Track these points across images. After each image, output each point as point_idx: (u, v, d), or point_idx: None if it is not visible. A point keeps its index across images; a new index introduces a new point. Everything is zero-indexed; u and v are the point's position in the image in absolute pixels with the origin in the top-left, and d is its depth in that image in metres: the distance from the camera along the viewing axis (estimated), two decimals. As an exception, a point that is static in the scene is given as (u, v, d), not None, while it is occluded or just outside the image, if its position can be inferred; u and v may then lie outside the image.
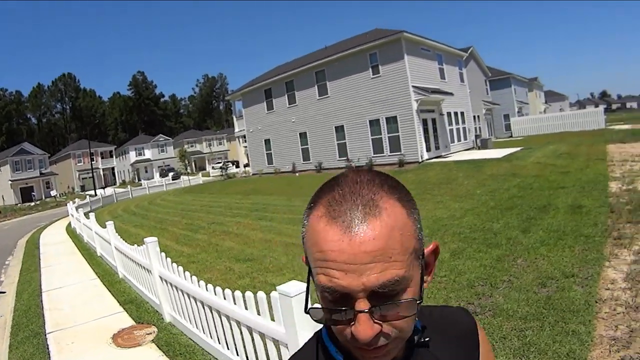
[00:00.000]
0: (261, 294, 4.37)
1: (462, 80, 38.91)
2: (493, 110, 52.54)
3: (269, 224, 15.89)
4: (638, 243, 8.36)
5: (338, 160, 34.01)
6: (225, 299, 5.20)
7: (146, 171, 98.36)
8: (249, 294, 4.66)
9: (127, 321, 8.22)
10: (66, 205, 35.24)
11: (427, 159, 29.25)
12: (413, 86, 28.85)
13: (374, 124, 31.37)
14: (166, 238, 16.05)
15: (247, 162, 51.02)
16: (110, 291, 10.39)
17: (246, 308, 4.77)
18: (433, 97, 29.50)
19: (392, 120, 30.19)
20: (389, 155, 30.37)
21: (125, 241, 10.39)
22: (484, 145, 36.65)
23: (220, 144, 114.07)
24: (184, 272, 6.47)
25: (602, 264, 7.49)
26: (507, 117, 54.98)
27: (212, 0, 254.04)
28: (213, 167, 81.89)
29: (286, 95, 38.56)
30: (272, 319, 4.27)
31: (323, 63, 34.53)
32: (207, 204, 25.93)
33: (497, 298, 6.63)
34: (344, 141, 33.71)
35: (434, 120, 31.66)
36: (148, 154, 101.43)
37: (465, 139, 37.21)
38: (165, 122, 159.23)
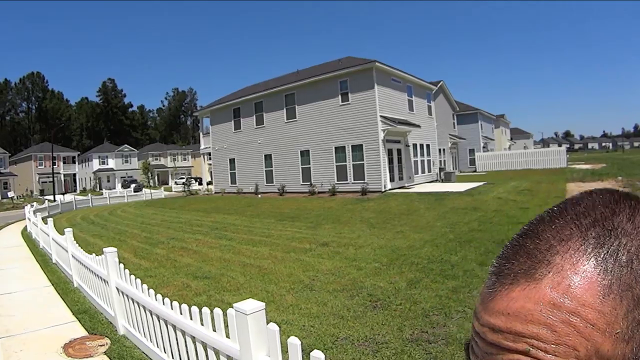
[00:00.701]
0: (218, 311, 4.37)
1: (430, 113, 39.38)
2: (459, 144, 53.25)
3: (228, 243, 15.74)
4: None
5: (301, 184, 34.00)
6: (181, 313, 5.15)
7: (108, 180, 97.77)
8: (205, 310, 4.61)
9: (79, 331, 7.99)
10: (23, 207, 34.56)
11: (390, 189, 29.43)
12: (381, 116, 29.12)
13: (340, 150, 31.50)
14: (124, 250, 15.72)
15: (210, 179, 50.81)
16: (64, 300, 10.07)
17: (202, 324, 4.72)
18: (400, 128, 29.77)
19: (357, 149, 30.36)
20: (353, 183, 30.48)
21: (83, 250, 10.10)
22: (447, 178, 37.05)
23: (184, 159, 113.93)
24: (142, 284, 6.39)
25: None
26: (472, 151, 55.89)
27: (189, 16, 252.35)
28: (176, 183, 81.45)
29: (254, 116, 38.56)
30: (228, 336, 4.25)
31: (294, 87, 34.69)
32: (168, 219, 25.63)
33: (450, 328, 6.68)
34: (308, 166, 33.76)
35: (399, 151, 31.93)
36: (112, 163, 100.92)
37: (430, 171, 37.59)
38: (132, 133, 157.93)
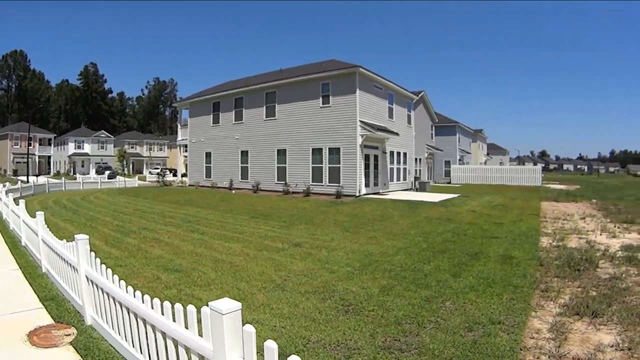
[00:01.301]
0: (191, 308, 4.33)
1: (409, 122, 39.61)
2: (435, 155, 53.63)
3: (200, 237, 15.55)
4: (564, 297, 8.63)
5: (276, 183, 33.94)
6: (152, 308, 5.07)
7: (82, 165, 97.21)
8: (178, 306, 4.55)
9: (45, 319, 7.74)
10: None
11: (364, 194, 29.51)
12: (361, 121, 29.16)
13: (317, 152, 31.46)
14: (95, 237, 15.40)
15: (184, 171, 50.55)
16: (31, 285, 9.83)
17: (174, 320, 4.67)
18: (379, 134, 29.81)
19: (335, 151, 30.36)
20: (328, 185, 30.48)
21: (54, 235, 9.87)
22: (422, 187, 37.28)
23: (160, 149, 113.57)
24: (113, 275, 6.28)
25: (528, 313, 7.68)
26: (448, 163, 56.52)
27: (175, 7, 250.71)
28: (150, 172, 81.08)
29: (234, 112, 38.43)
30: (201, 335, 4.21)
31: (275, 85, 34.61)
32: (141, 208, 25.33)
33: (423, 337, 6.63)
34: (284, 165, 33.66)
35: (376, 157, 32.03)
36: (87, 148, 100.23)
37: (405, 179, 37.78)
38: (110, 119, 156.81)
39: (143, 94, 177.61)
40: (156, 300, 5.00)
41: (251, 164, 36.57)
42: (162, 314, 4.86)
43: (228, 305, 3.69)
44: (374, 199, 27.63)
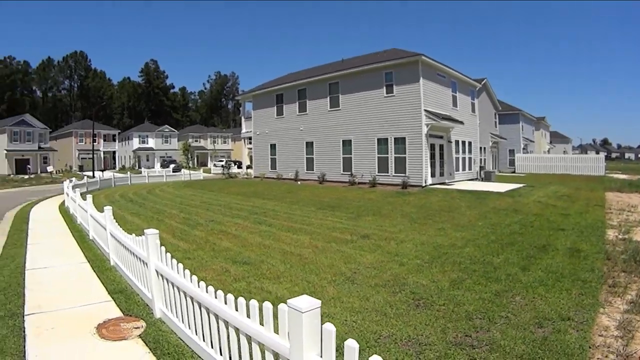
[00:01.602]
0: (268, 305, 4.32)
1: (473, 110, 38.98)
2: (499, 144, 52.64)
3: (267, 229, 15.75)
4: (631, 292, 8.44)
5: (341, 174, 34.00)
6: (226, 303, 5.12)
7: (147, 160, 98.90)
8: (253, 302, 4.59)
9: (114, 312, 7.87)
10: (62, 182, 34.81)
11: (430, 184, 29.25)
12: (425, 110, 28.89)
13: (382, 142, 31.34)
14: (162, 230, 15.59)
15: (249, 163, 50.92)
16: (99, 278, 10.05)
17: (248, 316, 4.70)
18: (444, 123, 29.50)
19: (400, 141, 30.18)
20: (394, 176, 30.33)
21: (121, 228, 10.16)
22: (487, 177, 36.67)
23: (224, 142, 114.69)
24: (184, 270, 6.35)
25: (596, 310, 7.54)
26: (512, 152, 55.31)
27: (234, 1, 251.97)
28: (215, 165, 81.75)
29: (297, 103, 38.68)
30: (276, 332, 4.23)
31: (338, 75, 34.60)
32: (207, 201, 25.76)
33: (494, 333, 6.57)
34: (349, 156, 33.68)
35: (441, 147, 31.72)
36: (151, 142, 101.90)
37: (470, 169, 37.24)
38: (172, 114, 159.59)
39: (205, 88, 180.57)
40: (230, 296, 5.04)
41: (316, 155, 36.75)
42: (236, 310, 4.90)
43: (307, 304, 3.66)
44: (440, 190, 27.37)
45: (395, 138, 30.46)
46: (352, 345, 3.31)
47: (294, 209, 20.97)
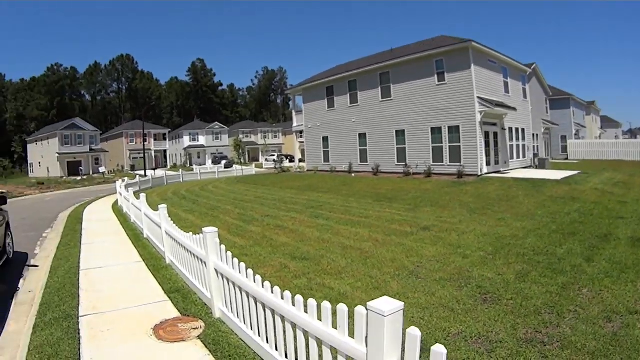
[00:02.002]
0: (343, 307, 4.08)
1: (525, 96, 38.30)
2: (551, 130, 51.59)
3: (325, 222, 15.82)
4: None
5: (396, 164, 33.80)
6: (294, 305, 4.93)
7: (198, 157, 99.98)
8: (326, 304, 4.34)
9: (171, 312, 7.82)
10: (114, 182, 35.54)
11: (485, 173, 28.93)
12: (478, 97, 28.54)
13: (436, 131, 31.07)
14: (218, 227, 15.55)
15: (301, 157, 51.04)
16: (155, 277, 10.10)
17: (319, 319, 4.49)
18: (497, 110, 29.08)
19: (454, 130, 29.88)
20: (448, 165, 30.08)
21: (176, 225, 10.24)
22: (541, 165, 36.06)
23: (275, 136, 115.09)
24: (246, 269, 6.15)
25: (664, 303, 7.36)
26: (564, 138, 54.00)
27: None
28: (266, 160, 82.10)
29: (348, 95, 38.58)
30: (351, 336, 4.01)
31: (389, 65, 34.39)
32: (261, 196, 25.96)
33: (564, 329, 6.48)
34: (403, 146, 33.48)
35: (495, 134, 31.31)
36: (202, 140, 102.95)
37: (524, 156, 36.60)
38: (222, 111, 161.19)
39: (253, 84, 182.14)
40: (299, 297, 4.82)
41: (369, 146, 36.62)
42: (306, 312, 4.69)
43: (390, 306, 3.40)
44: (496, 178, 27.04)
45: (449, 127, 30.15)
46: (439, 351, 3.14)
47: (351, 202, 21.04)
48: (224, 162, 78.93)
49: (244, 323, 6.49)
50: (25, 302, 8.86)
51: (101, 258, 12.26)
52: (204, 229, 7.40)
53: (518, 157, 35.32)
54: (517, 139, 35.35)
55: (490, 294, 8.01)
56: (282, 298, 5.20)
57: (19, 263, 12.39)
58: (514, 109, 32.64)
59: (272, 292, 5.42)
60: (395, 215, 16.76)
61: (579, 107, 61.96)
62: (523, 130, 36.56)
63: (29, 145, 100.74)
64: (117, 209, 24.10)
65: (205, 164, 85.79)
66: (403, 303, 3.57)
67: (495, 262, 10.02)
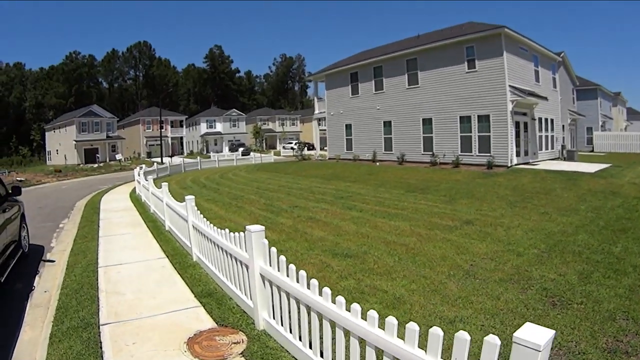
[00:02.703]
0: (437, 331, 3.32)
1: (554, 85, 37.40)
2: (577, 121, 50.56)
3: (359, 214, 15.12)
4: None
5: (422, 154, 33.01)
6: (366, 321, 4.08)
7: (215, 144, 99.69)
8: (412, 326, 3.53)
9: (205, 321, 6.92)
10: (131, 169, 35.22)
11: (515, 164, 28.20)
12: (510, 86, 27.73)
13: (465, 120, 30.29)
14: (244, 218, 15.32)
15: (320, 145, 50.49)
16: (182, 277, 9.24)
17: (404, 339, 3.62)
18: (529, 99, 28.24)
19: (484, 119, 29.09)
20: (477, 156, 29.32)
21: (205, 219, 9.33)
22: (570, 156, 35.13)
23: (293, 124, 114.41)
24: (306, 278, 5.21)
25: None
26: (590, 130, 52.85)
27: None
28: (284, 147, 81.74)
29: (373, 81, 37.76)
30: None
31: (416, 52, 33.55)
32: (285, 184, 25.36)
33: (645, 337, 5.86)
34: (430, 135, 32.70)
35: (525, 125, 30.45)
36: (219, 127, 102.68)
37: (552, 148, 35.72)
38: (239, 98, 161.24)
39: (271, 71, 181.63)
40: (372, 313, 3.97)
41: (394, 135, 35.81)
42: (384, 330, 3.86)
43: (544, 337, 2.74)
44: (526, 170, 26.29)
45: (478, 116, 29.35)
46: (493, 342, 2.90)
47: (381, 192, 20.35)
48: (241, 149, 78.48)
49: (300, 340, 5.57)
50: (40, 304, 8.15)
51: (121, 253, 11.54)
52: (248, 228, 6.46)
53: (547, 148, 34.46)
54: (547, 129, 34.47)
55: (557, 297, 7.37)
56: (349, 311, 4.35)
57: (34, 257, 11.84)
58: (545, 98, 31.76)
59: (335, 304, 4.58)
60: (432, 207, 16.07)
61: (606, 98, 60.75)
62: (552, 120, 35.65)
63: (47, 133, 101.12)
64: (134, 197, 23.61)
65: (222, 151, 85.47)
66: (553, 331, 2.89)
67: (552, 260, 9.37)
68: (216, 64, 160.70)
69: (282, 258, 5.83)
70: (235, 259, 7.27)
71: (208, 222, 9.00)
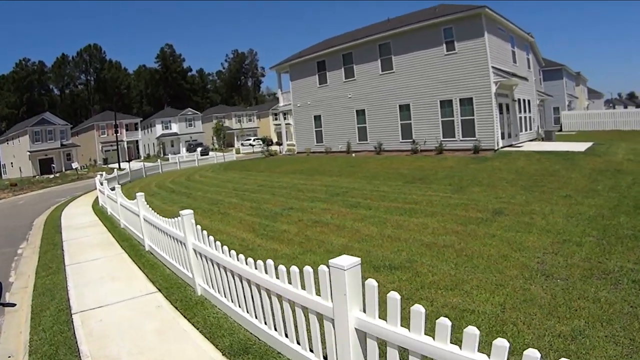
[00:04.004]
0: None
1: (529, 66, 36.83)
2: (545, 101, 50.20)
3: (370, 213, 13.28)
4: None
5: (401, 142, 31.68)
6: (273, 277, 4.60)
7: (172, 145, 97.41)
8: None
9: None
10: (89, 178, 33.46)
11: (501, 147, 27.18)
12: (493, 67, 26.66)
13: (446, 105, 29.04)
14: (235, 227, 13.29)
15: (277, 140, 49.13)
16: (193, 324, 6.76)
17: None
18: (513, 80, 27.33)
19: (466, 102, 27.92)
20: (462, 140, 28.13)
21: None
22: (548, 137, 34.43)
23: (250, 120, 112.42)
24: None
25: None
26: (556, 110, 53.43)
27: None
28: (242, 144, 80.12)
29: (343, 69, 36.21)
30: None
31: (389, 35, 32.17)
32: (264, 183, 23.33)
33: None
34: (408, 122, 31.36)
35: (507, 106, 29.46)
36: (175, 127, 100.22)
37: (530, 129, 34.98)
38: (192, 97, 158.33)
39: (223, 68, 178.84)
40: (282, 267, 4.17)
41: (369, 124, 34.37)
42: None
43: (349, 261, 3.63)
44: (515, 152, 25.28)
45: (460, 99, 28.16)
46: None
47: (378, 185, 18.64)
48: (199, 149, 76.13)
49: (223, 296, 6.42)
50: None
51: (97, 288, 8.97)
52: (181, 212, 6.95)
53: (526, 129, 33.69)
54: (525, 111, 33.69)
55: (653, 291, 6.17)
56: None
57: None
58: (526, 79, 31.04)
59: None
60: (445, 198, 14.50)
61: (570, 78, 61.57)
62: (529, 102, 34.97)
63: (0, 146, 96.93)
64: (98, 209, 21.38)
65: (179, 153, 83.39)
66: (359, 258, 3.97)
67: (615, 248, 8.28)
68: (168, 64, 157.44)
69: (204, 232, 6.91)
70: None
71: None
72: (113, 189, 16.94)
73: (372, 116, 34.08)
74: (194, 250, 7.71)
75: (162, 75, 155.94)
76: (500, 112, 28.08)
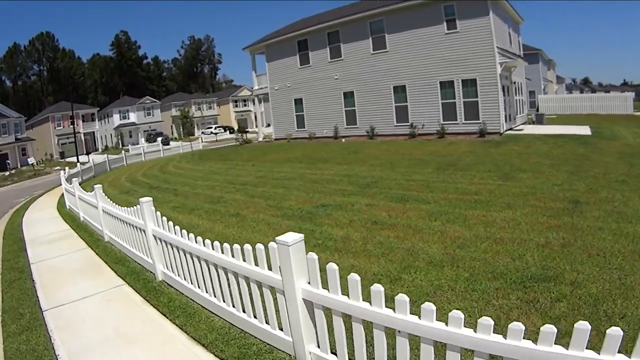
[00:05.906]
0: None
1: (520, 48, 35.89)
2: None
3: (434, 208, 10.97)
4: None
5: (395, 126, 30.17)
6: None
7: (130, 136, 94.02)
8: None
9: None
10: (46, 174, 30.42)
11: (505, 130, 26.10)
12: (498, 47, 25.46)
13: (446, 86, 27.64)
14: (267, 235, 9.89)
15: (238, 127, 47.25)
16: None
17: None
18: (518, 61, 26.44)
19: (469, 84, 26.60)
20: (464, 124, 26.83)
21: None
22: (539, 120, 33.75)
23: (210, 107, 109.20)
24: None
25: None
26: (532, 93, 53.44)
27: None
28: (203, 132, 78.01)
29: (328, 48, 34.35)
30: None
31: (382, 12, 30.39)
32: (262, 175, 20.21)
33: None
34: (404, 104, 29.82)
35: (508, 89, 28.37)
36: (133, 117, 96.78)
37: (523, 112, 34.22)
38: (148, 85, 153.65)
39: (179, 55, 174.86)
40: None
41: (358, 106, 32.70)
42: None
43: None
44: (523, 135, 24.35)
45: (462, 80, 26.80)
46: None
47: (407, 174, 16.32)
48: (159, 139, 72.47)
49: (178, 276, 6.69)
50: None
51: (96, 346, 5.88)
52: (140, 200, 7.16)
53: (520, 112, 33.00)
54: (519, 93, 32.88)
55: None
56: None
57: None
58: (526, 61, 29.91)
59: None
60: (503, 187, 12.75)
61: (544, 63, 62.58)
62: (521, 84, 34.17)
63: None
64: (66, 213, 17.57)
65: (138, 143, 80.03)
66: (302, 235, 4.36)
67: None
68: (123, 51, 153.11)
69: (165, 219, 7.03)
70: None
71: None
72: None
73: (362, 98, 32.47)
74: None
75: (117, 63, 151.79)
76: (504, 95, 26.93)
